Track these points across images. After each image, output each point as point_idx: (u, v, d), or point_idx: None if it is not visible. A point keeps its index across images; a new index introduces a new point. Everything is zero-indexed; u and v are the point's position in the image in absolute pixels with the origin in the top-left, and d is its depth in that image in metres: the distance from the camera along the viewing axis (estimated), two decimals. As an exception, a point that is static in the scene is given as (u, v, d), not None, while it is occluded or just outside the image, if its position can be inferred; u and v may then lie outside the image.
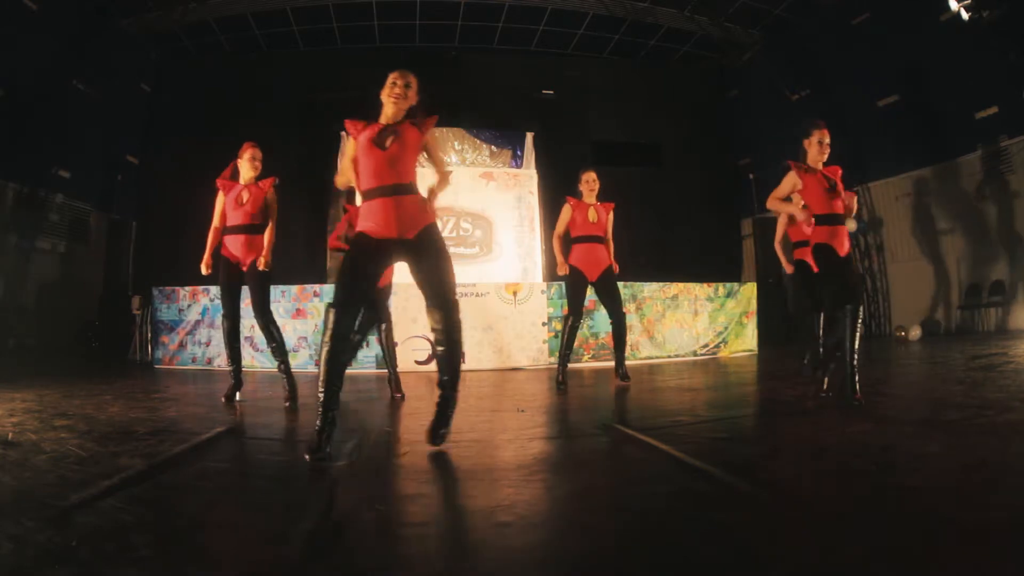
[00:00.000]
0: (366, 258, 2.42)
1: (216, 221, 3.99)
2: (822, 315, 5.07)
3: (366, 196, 2.47)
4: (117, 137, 10.30)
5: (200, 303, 6.75)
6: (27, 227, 8.48)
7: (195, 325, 6.77)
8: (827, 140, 3.35)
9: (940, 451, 2.13)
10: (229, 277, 3.91)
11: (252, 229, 3.91)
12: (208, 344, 6.71)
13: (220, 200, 3.99)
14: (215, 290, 6.71)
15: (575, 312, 4.55)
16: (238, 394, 3.94)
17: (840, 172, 3.45)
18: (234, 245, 3.89)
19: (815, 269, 4.86)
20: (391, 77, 2.56)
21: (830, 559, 1.25)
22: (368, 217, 2.44)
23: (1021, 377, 3.92)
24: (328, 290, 6.61)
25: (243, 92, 10.56)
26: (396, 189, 2.43)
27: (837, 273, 3.29)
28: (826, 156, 3.37)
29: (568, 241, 4.61)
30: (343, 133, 10.71)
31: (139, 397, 4.17)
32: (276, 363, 3.97)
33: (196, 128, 10.18)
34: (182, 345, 6.80)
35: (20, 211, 8.40)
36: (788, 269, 5.11)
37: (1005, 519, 1.44)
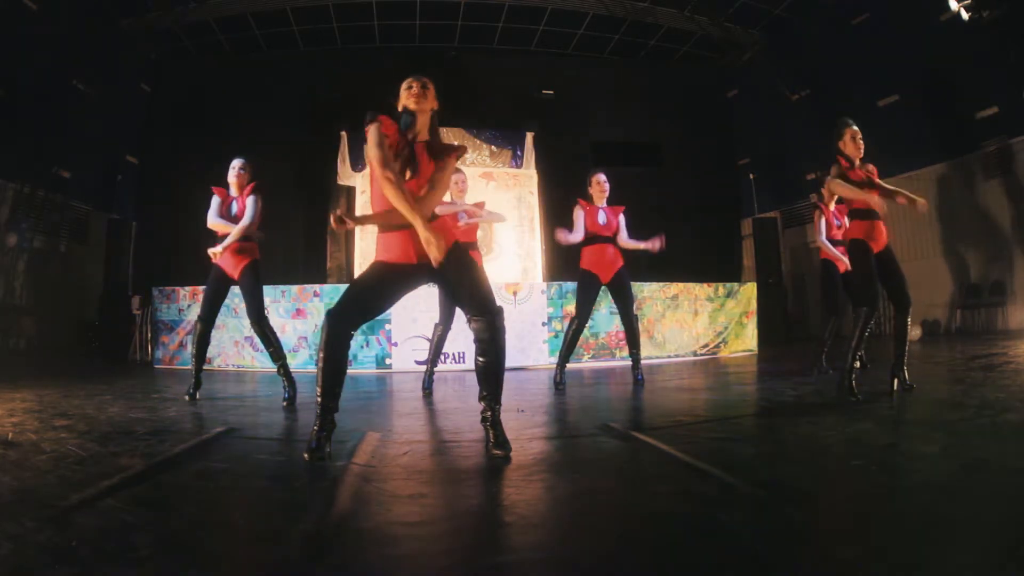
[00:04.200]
0: (385, 284, 2.36)
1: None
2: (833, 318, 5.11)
3: (381, 228, 2.37)
4: (117, 137, 10.30)
5: (200, 303, 6.75)
6: (27, 227, 8.48)
7: (195, 325, 6.76)
8: (859, 136, 3.51)
9: (940, 451, 2.13)
10: (217, 284, 4.02)
11: (243, 238, 3.98)
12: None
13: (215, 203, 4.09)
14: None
15: (582, 316, 4.49)
16: (198, 393, 4.01)
17: (875, 170, 3.60)
18: (225, 254, 3.97)
19: (841, 269, 4.93)
20: (406, 82, 2.46)
21: (830, 559, 1.25)
22: (386, 248, 2.36)
23: (1021, 377, 3.92)
24: (328, 290, 6.62)
25: (243, 92, 10.56)
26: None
27: (867, 273, 3.40)
28: (862, 150, 3.51)
29: (578, 244, 4.56)
30: (343, 133, 10.72)
31: (139, 397, 4.18)
32: (276, 365, 4.00)
33: (196, 128, 10.19)
34: (182, 345, 6.79)
35: (20, 211, 8.40)
36: (841, 268, 5.07)
37: (1005, 519, 1.44)
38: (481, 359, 2.35)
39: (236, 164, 4.10)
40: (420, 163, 2.38)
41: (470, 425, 2.96)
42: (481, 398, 2.35)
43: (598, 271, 4.47)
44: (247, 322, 4.14)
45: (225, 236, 3.98)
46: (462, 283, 2.36)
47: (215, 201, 4.06)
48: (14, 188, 8.32)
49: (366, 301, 2.36)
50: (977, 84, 8.16)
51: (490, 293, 2.37)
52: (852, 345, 3.32)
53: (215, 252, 3.97)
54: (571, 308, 6.77)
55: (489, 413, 2.31)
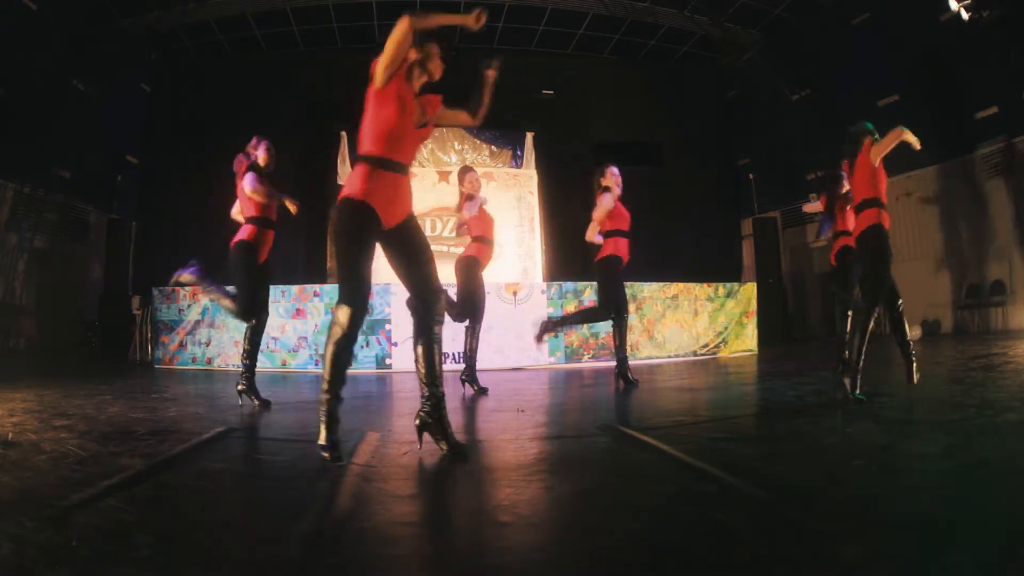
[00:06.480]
0: (369, 241, 2.27)
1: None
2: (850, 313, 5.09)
3: (386, 165, 2.28)
4: (117, 137, 10.31)
5: (200, 303, 6.75)
6: (27, 227, 8.48)
7: (195, 325, 6.77)
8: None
9: (940, 451, 2.13)
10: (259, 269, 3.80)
11: (265, 223, 3.82)
12: (208, 344, 6.72)
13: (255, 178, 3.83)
14: (215, 290, 6.71)
15: (625, 305, 4.47)
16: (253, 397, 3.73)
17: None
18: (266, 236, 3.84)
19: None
20: (439, 48, 2.49)
21: (830, 559, 1.25)
22: (383, 190, 2.26)
23: (1021, 377, 3.92)
24: (328, 290, 6.61)
25: (243, 92, 10.57)
26: (407, 170, 2.37)
27: (888, 261, 3.39)
28: None
29: (605, 234, 4.49)
30: (342, 133, 10.73)
31: (139, 397, 4.17)
32: (246, 363, 3.80)
33: (196, 128, 10.19)
34: (182, 345, 6.80)
35: (20, 211, 8.40)
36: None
37: (1005, 519, 1.44)
38: (434, 347, 2.29)
39: (271, 145, 3.89)
40: (429, 119, 2.44)
41: (469, 425, 2.96)
42: (431, 395, 2.25)
43: (624, 260, 4.47)
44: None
45: (267, 207, 3.79)
46: (421, 254, 2.35)
47: (254, 176, 3.75)
48: (14, 188, 8.32)
49: (366, 262, 2.29)
50: (977, 84, 8.17)
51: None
52: (857, 344, 3.28)
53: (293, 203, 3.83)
54: (571, 308, 6.77)
55: (431, 408, 2.24)
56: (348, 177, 2.34)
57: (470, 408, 3.69)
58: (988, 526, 1.40)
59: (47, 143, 8.54)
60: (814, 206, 5.33)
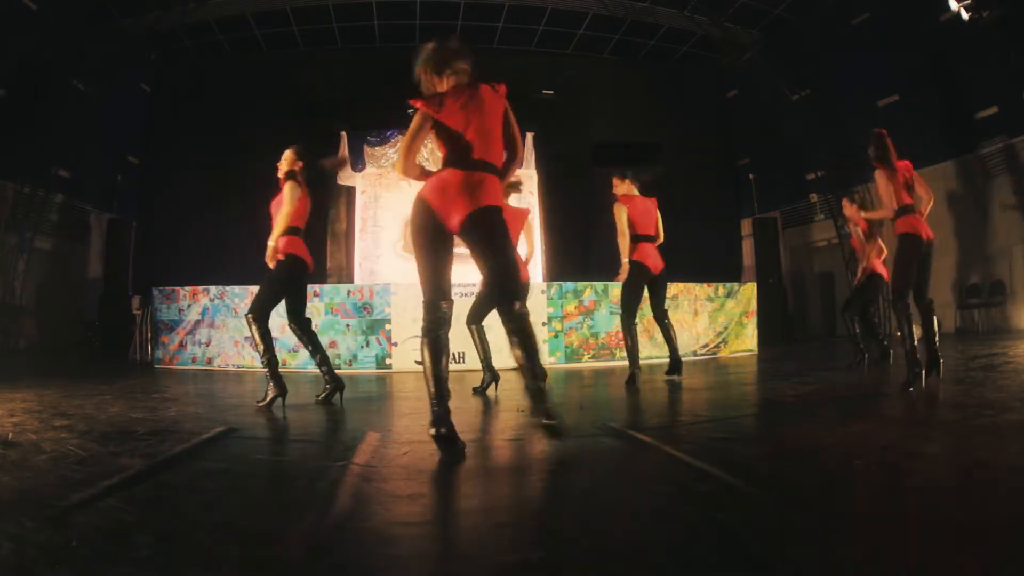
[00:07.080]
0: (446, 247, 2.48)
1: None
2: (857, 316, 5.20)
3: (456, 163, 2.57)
4: (117, 137, 10.31)
5: (200, 303, 6.75)
6: (27, 227, 8.48)
7: (195, 325, 6.77)
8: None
9: (940, 451, 2.13)
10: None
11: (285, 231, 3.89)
12: (208, 344, 6.71)
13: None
14: (215, 290, 6.71)
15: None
16: (281, 400, 3.64)
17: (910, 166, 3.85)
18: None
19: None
20: (469, 66, 2.66)
21: (830, 559, 1.25)
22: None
23: (1021, 377, 3.92)
24: (328, 290, 6.61)
25: (243, 92, 10.58)
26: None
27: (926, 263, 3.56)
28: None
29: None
30: (342, 133, 10.73)
31: (139, 397, 4.17)
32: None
33: (196, 128, 10.19)
34: (182, 345, 6.80)
35: (20, 211, 8.40)
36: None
37: (1005, 519, 1.44)
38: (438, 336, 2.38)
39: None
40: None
41: (469, 425, 2.96)
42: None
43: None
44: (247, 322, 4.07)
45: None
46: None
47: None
48: (14, 188, 8.33)
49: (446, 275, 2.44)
50: (977, 84, 8.17)
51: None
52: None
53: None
54: (571, 308, 6.78)
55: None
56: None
57: (470, 408, 3.69)
58: (988, 526, 1.40)
59: (47, 143, 8.55)
60: (858, 231, 5.36)
